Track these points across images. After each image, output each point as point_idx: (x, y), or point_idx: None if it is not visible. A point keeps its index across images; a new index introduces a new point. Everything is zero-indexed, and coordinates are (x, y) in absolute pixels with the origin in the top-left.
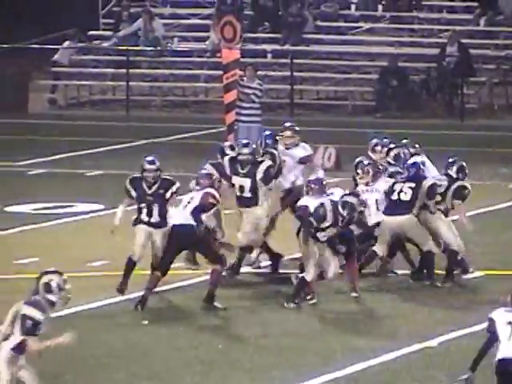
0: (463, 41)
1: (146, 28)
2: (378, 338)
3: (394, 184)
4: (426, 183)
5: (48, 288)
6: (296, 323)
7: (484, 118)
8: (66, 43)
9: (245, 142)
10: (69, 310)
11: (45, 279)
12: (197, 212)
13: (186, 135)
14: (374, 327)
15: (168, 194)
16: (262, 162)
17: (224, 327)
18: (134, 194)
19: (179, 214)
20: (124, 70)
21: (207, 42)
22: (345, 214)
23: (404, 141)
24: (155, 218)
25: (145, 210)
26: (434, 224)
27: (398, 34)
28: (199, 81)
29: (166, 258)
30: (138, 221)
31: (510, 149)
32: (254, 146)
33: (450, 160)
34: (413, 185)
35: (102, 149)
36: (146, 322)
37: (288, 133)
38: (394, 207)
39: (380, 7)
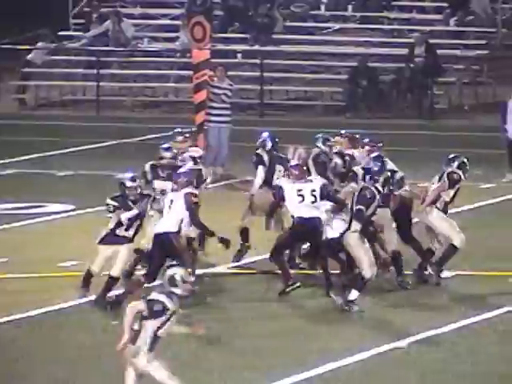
0: (433, 41)
1: (114, 29)
2: (350, 339)
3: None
4: (398, 175)
5: (173, 281)
6: (269, 324)
7: (453, 119)
8: (39, 44)
9: (166, 146)
10: (39, 310)
11: (169, 272)
12: (191, 215)
13: (156, 135)
14: (345, 327)
15: (149, 209)
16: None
17: None
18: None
19: (162, 221)
20: (94, 71)
21: (177, 43)
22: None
23: (365, 140)
24: (129, 234)
25: (124, 226)
26: (434, 222)
27: (368, 34)
28: (169, 81)
29: (153, 265)
30: (107, 238)
31: (480, 149)
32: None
33: (451, 156)
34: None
35: (72, 149)
36: (117, 322)
37: (180, 138)
38: None
39: (350, 7)
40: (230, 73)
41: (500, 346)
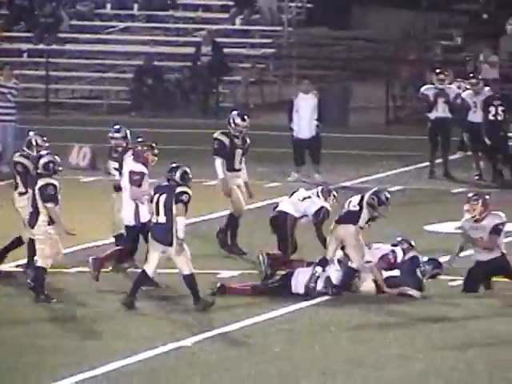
0: (219, 40)
1: None
2: (135, 338)
3: None
4: None
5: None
6: (52, 324)
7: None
8: None
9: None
10: None
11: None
12: None
13: None
14: (131, 326)
15: None
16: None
17: None
18: None
19: None
20: None
21: None
22: None
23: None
24: None
25: None
26: None
27: (154, 33)
28: None
29: None
30: None
31: (266, 148)
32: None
33: (173, 165)
34: None
35: None
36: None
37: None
38: None
39: (135, 6)
40: (15, 71)
41: (286, 345)
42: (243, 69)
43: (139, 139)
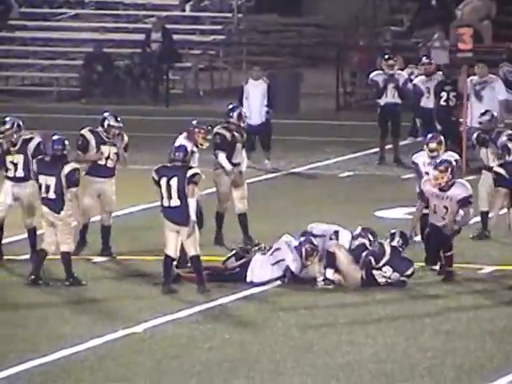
0: (169, 26)
1: None
2: (85, 324)
3: None
4: None
5: None
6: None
7: (189, 104)
8: None
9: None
10: None
11: None
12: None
13: None
14: (79, 313)
15: None
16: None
17: None
18: None
19: None
20: None
21: None
22: None
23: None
24: None
25: None
26: None
27: (103, 20)
28: None
29: None
30: None
31: None
32: None
33: (177, 146)
34: None
35: None
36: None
37: None
38: None
39: None
40: None
41: (236, 331)
42: (193, 55)
43: (194, 122)
